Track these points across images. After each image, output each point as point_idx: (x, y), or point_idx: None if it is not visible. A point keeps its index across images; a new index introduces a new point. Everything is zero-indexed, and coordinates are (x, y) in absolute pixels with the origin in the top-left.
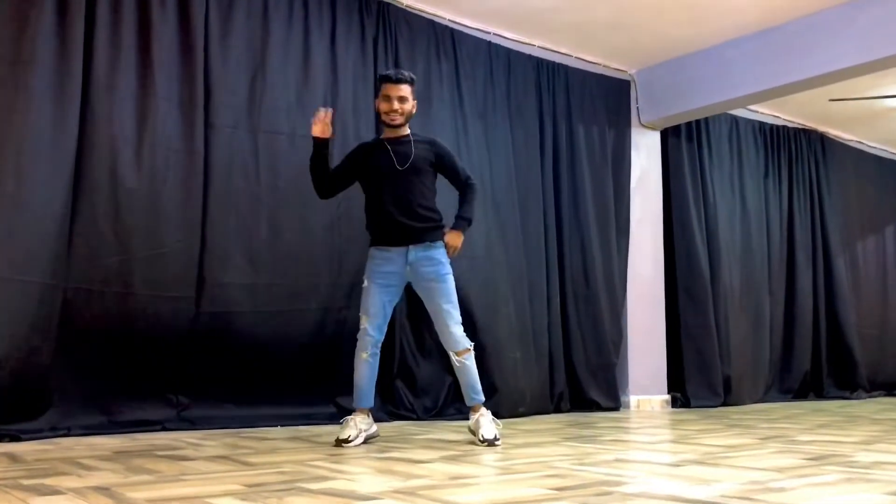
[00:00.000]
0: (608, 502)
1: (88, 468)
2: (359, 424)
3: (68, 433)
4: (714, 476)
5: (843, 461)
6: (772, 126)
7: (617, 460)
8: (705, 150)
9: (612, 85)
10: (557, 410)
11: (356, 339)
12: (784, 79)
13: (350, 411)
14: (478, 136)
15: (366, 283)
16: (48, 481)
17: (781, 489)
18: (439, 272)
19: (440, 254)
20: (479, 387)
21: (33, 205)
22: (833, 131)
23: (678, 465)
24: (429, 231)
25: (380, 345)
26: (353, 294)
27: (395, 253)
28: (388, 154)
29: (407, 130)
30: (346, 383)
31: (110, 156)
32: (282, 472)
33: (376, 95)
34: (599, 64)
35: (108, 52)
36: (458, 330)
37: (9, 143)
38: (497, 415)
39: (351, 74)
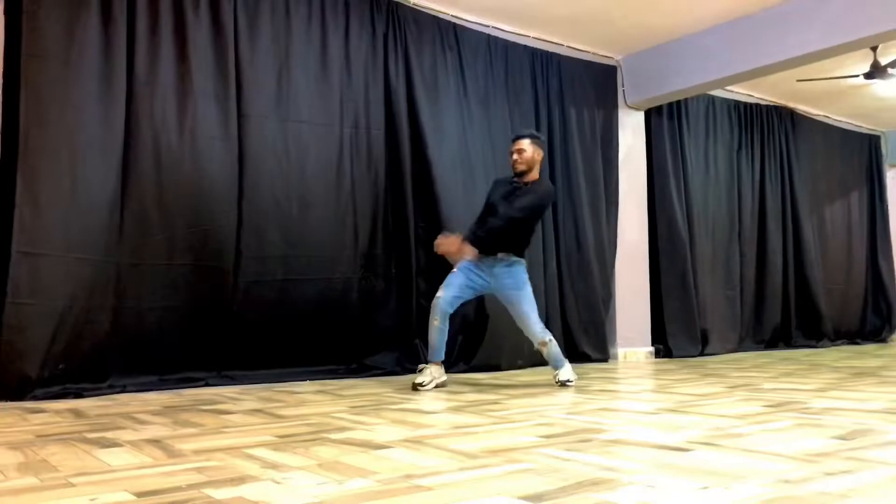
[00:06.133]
0: (588, 448)
1: (142, 422)
2: (433, 373)
3: (124, 390)
4: (684, 423)
5: (798, 408)
6: (745, 104)
7: (601, 409)
8: (685, 128)
9: (600, 71)
10: None
11: (378, 305)
12: (756, 63)
13: (367, 367)
14: (480, 121)
15: (455, 270)
16: (108, 434)
17: (739, 434)
18: (518, 284)
19: (520, 271)
20: (561, 361)
21: (87, 193)
22: (802, 107)
23: (654, 413)
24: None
25: (448, 315)
26: (367, 264)
27: (484, 263)
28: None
29: (533, 177)
30: (369, 343)
31: (154, 146)
32: (309, 424)
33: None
34: (588, 52)
35: (148, 52)
36: (537, 328)
37: (63, 140)
38: (497, 367)
39: (363, 67)
